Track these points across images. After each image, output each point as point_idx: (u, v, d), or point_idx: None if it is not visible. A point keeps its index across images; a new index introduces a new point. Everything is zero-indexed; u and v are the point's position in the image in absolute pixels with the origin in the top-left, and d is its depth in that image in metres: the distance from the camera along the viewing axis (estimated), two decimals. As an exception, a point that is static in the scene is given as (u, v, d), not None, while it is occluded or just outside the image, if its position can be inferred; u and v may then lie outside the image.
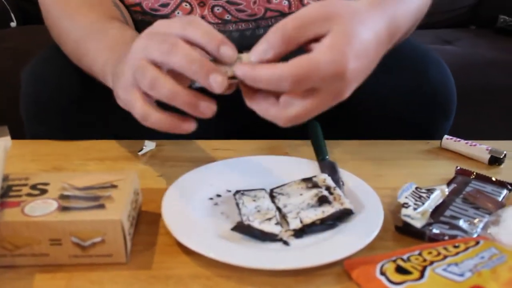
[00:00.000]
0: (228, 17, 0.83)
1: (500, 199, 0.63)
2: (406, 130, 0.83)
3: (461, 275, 0.46)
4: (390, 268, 0.48)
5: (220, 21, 0.83)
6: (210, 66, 0.48)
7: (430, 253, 0.50)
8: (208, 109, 0.50)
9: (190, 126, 0.52)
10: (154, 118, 0.51)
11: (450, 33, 2.07)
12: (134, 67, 0.50)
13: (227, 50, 0.49)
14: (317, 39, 0.48)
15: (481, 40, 1.98)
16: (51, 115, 0.77)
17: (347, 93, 0.50)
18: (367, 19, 0.51)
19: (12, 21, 1.81)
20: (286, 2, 0.83)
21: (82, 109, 0.77)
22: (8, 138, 0.63)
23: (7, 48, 1.64)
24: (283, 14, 0.84)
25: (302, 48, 0.50)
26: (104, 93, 0.68)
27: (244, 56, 0.50)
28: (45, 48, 0.83)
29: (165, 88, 0.49)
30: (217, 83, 0.48)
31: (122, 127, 0.75)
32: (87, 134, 0.78)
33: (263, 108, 0.50)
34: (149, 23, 0.82)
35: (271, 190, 0.61)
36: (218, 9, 0.82)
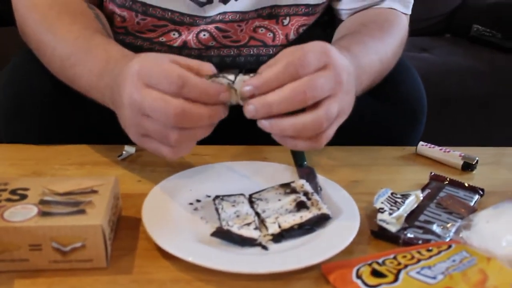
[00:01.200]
0: (212, 43, 0.83)
1: (472, 204, 0.66)
2: (376, 136, 0.85)
3: (434, 277, 0.47)
4: (366, 271, 0.49)
5: (203, 47, 0.83)
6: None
7: (404, 256, 0.51)
8: (224, 114, 0.55)
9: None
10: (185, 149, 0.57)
11: (426, 41, 2.11)
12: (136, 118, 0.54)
13: (225, 95, 0.53)
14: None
15: (456, 48, 2.03)
16: (29, 118, 0.77)
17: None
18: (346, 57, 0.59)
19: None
20: (271, 34, 0.84)
21: (61, 111, 0.77)
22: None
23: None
24: (265, 45, 0.85)
25: None
26: (82, 96, 0.68)
27: (245, 77, 0.54)
28: (21, 51, 0.81)
29: (193, 114, 0.52)
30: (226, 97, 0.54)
31: (101, 129, 0.75)
32: (66, 137, 0.78)
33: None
34: (129, 44, 0.83)
35: (250, 196, 0.62)
36: (204, 35, 0.82)
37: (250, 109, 0.53)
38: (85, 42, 0.67)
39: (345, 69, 0.56)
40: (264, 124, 0.54)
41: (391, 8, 0.85)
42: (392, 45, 0.78)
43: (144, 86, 0.52)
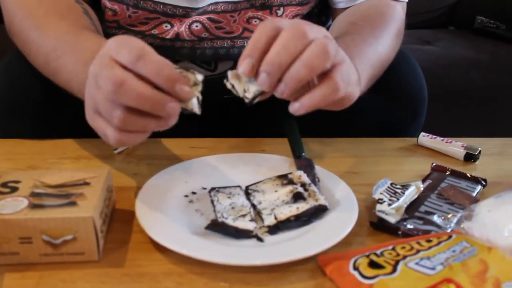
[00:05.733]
0: (205, 34, 0.82)
1: (474, 194, 0.64)
2: (376, 128, 0.83)
3: (433, 268, 0.46)
4: (363, 263, 0.48)
5: (196, 39, 0.82)
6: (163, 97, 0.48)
7: (403, 248, 0.50)
8: (173, 109, 0.49)
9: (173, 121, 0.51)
10: (128, 139, 0.51)
11: (429, 33, 2.09)
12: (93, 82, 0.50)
13: (184, 88, 0.49)
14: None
15: (460, 41, 2.01)
16: (23, 115, 0.76)
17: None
18: None
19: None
20: None
21: (55, 107, 0.76)
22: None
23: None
24: None
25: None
26: None
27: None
28: (13, 48, 0.79)
29: (133, 89, 0.47)
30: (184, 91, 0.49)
31: None
32: (61, 132, 0.77)
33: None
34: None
35: (247, 187, 0.61)
36: (196, 26, 0.81)
37: (262, 78, 0.50)
38: (73, 36, 0.66)
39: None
40: (294, 107, 0.51)
41: None
42: (387, 39, 0.76)
43: (108, 58, 0.49)
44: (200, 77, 0.51)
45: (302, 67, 0.49)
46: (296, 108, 0.51)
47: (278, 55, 0.49)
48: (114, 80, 0.47)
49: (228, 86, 0.53)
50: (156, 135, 0.79)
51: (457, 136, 0.81)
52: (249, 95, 0.52)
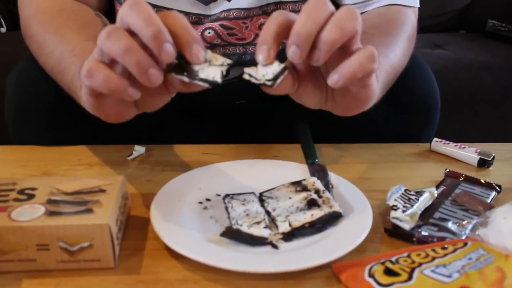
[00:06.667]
0: (217, 41, 0.82)
1: (488, 200, 0.64)
2: (389, 133, 0.83)
3: (449, 276, 0.46)
4: (378, 270, 0.48)
5: (208, 45, 0.83)
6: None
7: (418, 255, 0.50)
8: (155, 76, 0.47)
9: (135, 93, 0.48)
10: (102, 74, 0.47)
11: (440, 37, 2.08)
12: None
13: (199, 50, 0.48)
14: None
15: (471, 44, 1.99)
16: (38, 120, 0.77)
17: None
18: None
19: (2, 26, 1.80)
20: None
21: (68, 113, 0.76)
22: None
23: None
24: None
25: None
26: None
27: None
28: (29, 54, 0.80)
29: (121, 40, 0.46)
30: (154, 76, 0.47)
31: (110, 130, 0.74)
32: (74, 138, 0.78)
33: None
34: None
35: (261, 194, 0.61)
36: (209, 33, 0.81)
37: (292, 50, 0.48)
38: (93, 44, 0.66)
39: None
40: (333, 79, 0.49)
41: (394, 5, 0.83)
42: (399, 46, 0.76)
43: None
44: (229, 61, 0.50)
45: (333, 28, 0.47)
46: (335, 79, 0.49)
47: (305, 24, 0.47)
48: (107, 30, 0.46)
49: (246, 77, 0.51)
50: (168, 141, 0.80)
51: (469, 140, 0.81)
52: (269, 76, 0.50)
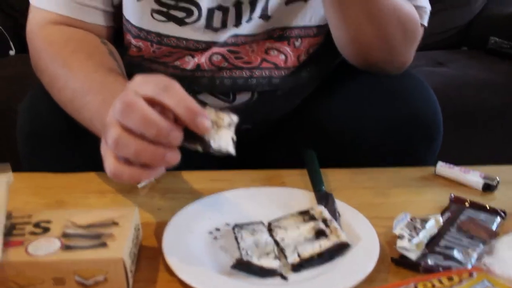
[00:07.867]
0: (224, 64, 0.84)
1: (494, 227, 0.64)
2: (391, 154, 0.83)
3: (456, 308, 0.47)
4: (386, 301, 0.49)
5: (215, 68, 0.84)
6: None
7: (424, 285, 0.51)
8: (174, 159, 0.51)
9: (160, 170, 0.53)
10: (127, 174, 0.52)
11: (442, 54, 2.09)
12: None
13: (204, 121, 0.50)
14: None
15: (473, 61, 2.00)
16: (49, 148, 0.78)
17: None
18: None
19: (11, 49, 1.83)
20: (283, 57, 0.85)
21: (80, 140, 0.78)
22: (10, 173, 0.63)
23: (5, 77, 1.65)
24: (277, 67, 0.85)
25: None
26: None
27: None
28: (40, 81, 0.82)
29: (130, 148, 0.50)
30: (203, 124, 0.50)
31: None
32: (85, 165, 0.79)
33: None
34: (144, 67, 0.83)
35: (269, 224, 0.63)
36: (216, 58, 0.83)
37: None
38: (101, 77, 0.68)
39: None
40: None
41: None
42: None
43: (133, 91, 0.51)
44: (235, 118, 0.51)
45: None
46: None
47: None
48: (125, 100, 0.49)
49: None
50: (177, 167, 0.81)
51: (473, 157, 0.81)
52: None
